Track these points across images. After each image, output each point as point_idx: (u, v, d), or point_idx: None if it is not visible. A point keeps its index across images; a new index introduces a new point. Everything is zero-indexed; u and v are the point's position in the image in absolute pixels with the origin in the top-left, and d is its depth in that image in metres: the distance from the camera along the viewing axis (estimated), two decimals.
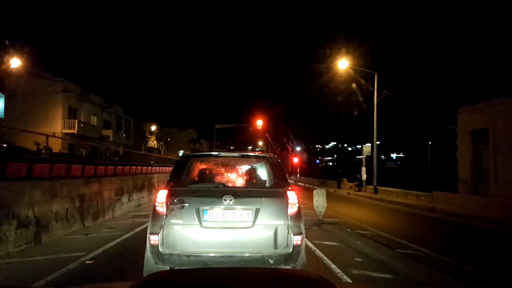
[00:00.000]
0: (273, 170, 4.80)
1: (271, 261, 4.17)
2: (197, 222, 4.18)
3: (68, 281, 5.15)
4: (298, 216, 4.40)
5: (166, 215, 4.21)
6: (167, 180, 4.66)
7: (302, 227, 4.44)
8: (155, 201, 4.37)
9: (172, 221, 4.19)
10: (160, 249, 4.15)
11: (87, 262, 6.25)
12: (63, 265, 5.88)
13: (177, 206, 4.21)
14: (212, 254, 4.15)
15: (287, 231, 4.25)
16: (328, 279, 1.75)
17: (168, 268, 4.19)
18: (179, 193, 4.30)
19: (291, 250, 4.22)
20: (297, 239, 4.27)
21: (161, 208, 4.25)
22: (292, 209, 4.36)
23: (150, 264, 4.23)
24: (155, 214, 4.29)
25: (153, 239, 4.18)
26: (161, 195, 4.32)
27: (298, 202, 4.48)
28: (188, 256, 4.13)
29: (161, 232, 4.16)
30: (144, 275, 4.18)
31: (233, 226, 4.23)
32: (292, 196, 4.44)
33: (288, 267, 4.23)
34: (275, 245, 4.20)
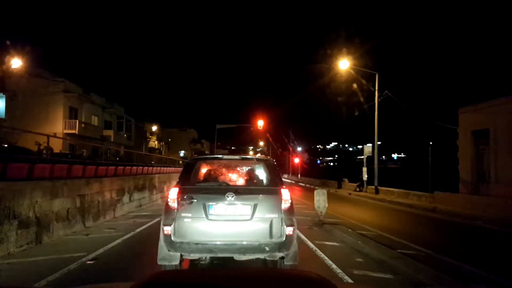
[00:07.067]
0: (269, 170, 5.38)
1: (267, 249, 4.78)
2: (204, 215, 4.78)
3: (69, 281, 5.16)
4: (290, 210, 4.99)
5: (177, 210, 4.80)
6: (178, 180, 5.27)
7: (294, 220, 5.02)
8: (167, 198, 4.95)
9: (183, 214, 4.78)
10: (172, 238, 4.76)
11: (88, 262, 6.26)
12: (64, 266, 5.90)
13: (186, 201, 4.81)
14: (217, 243, 4.75)
15: (280, 223, 4.84)
16: (328, 279, 1.75)
17: (178, 254, 4.83)
18: (188, 191, 4.90)
19: (284, 239, 4.83)
20: (289, 230, 4.87)
21: (173, 204, 4.85)
22: (285, 204, 4.95)
23: (164, 251, 4.87)
24: (167, 209, 4.88)
25: (166, 229, 4.79)
26: (173, 193, 4.92)
27: (290, 199, 5.06)
28: (196, 244, 4.74)
29: (173, 224, 4.77)
30: (158, 261, 4.94)
31: (234, 219, 4.83)
32: (285, 193, 5.02)
33: (281, 254, 4.89)
34: (271, 235, 4.79)
